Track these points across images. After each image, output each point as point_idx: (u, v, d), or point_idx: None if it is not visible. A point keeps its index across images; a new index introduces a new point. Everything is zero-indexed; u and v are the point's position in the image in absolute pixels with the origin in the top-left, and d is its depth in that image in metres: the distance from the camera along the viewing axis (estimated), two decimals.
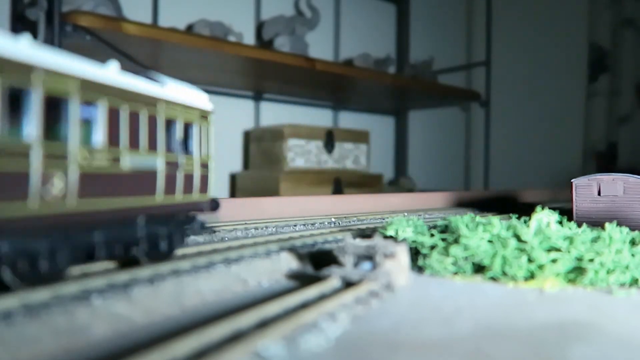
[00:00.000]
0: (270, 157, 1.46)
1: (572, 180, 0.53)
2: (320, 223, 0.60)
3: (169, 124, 0.36)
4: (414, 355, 0.21)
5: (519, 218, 0.40)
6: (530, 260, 0.34)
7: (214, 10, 1.49)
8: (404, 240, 0.39)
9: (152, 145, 0.33)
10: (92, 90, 0.29)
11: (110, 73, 0.31)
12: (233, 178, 1.60)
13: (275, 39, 1.48)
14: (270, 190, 1.39)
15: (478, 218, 0.38)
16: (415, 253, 0.38)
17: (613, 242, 0.35)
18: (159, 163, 0.34)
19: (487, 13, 1.84)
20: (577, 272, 0.34)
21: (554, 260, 0.34)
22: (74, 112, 0.27)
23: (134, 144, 0.32)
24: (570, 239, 0.34)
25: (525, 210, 0.50)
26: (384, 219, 0.64)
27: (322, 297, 0.28)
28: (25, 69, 0.25)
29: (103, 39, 1.03)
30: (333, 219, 0.63)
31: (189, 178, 0.37)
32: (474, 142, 2.19)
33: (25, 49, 0.25)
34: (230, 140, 1.62)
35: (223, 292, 0.31)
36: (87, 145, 0.28)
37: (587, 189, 0.52)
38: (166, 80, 0.36)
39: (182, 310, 0.27)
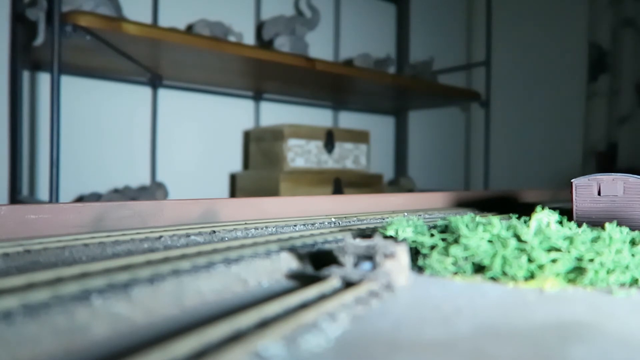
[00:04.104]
0: (270, 157, 1.46)
1: (572, 180, 0.53)
2: (320, 223, 0.60)
3: None
4: (414, 355, 0.21)
5: (519, 218, 0.40)
6: (530, 260, 0.34)
7: (214, 10, 1.50)
8: (404, 240, 0.39)
9: None
10: None
11: None
12: (233, 178, 1.59)
13: (275, 39, 1.48)
14: (270, 190, 1.39)
15: (478, 218, 0.38)
16: (415, 253, 0.38)
17: (613, 242, 0.35)
18: None
19: (487, 13, 1.84)
20: (577, 272, 0.34)
21: (554, 260, 0.34)
22: None
23: None
24: (570, 239, 0.34)
25: (525, 210, 0.50)
26: (384, 219, 0.64)
27: (322, 297, 0.28)
28: None
29: (103, 39, 1.03)
30: (333, 219, 0.62)
31: None
32: (474, 142, 2.19)
33: None
34: (230, 140, 1.62)
35: (223, 292, 0.31)
36: None
37: (587, 189, 0.52)
38: None
39: (182, 310, 0.27)
